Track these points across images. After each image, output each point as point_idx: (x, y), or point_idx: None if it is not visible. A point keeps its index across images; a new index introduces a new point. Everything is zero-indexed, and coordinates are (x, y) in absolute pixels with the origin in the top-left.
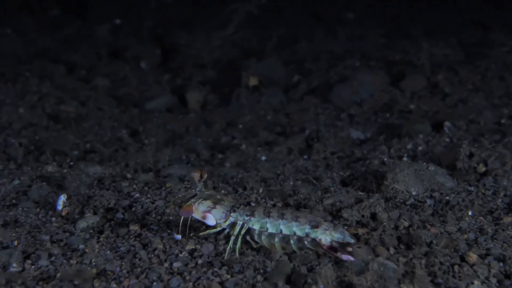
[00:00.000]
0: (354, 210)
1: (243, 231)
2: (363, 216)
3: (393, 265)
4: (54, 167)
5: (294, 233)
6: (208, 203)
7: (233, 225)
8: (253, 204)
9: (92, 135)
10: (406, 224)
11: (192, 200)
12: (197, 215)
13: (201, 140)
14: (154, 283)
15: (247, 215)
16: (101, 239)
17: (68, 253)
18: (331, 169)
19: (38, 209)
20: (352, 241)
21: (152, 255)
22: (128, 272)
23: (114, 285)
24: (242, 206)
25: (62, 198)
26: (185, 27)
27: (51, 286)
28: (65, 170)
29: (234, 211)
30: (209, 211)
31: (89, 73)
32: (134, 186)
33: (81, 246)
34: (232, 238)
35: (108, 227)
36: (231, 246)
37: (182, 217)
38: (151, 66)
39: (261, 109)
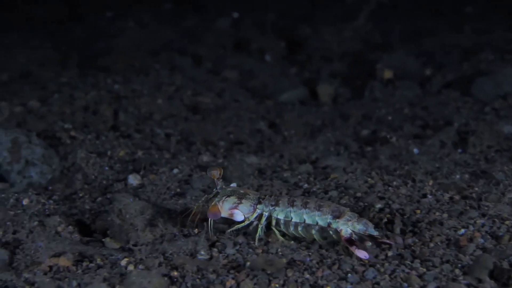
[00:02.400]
0: None
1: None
2: None
3: None
4: (208, 157)
5: (317, 223)
6: (233, 199)
7: (260, 216)
8: (277, 195)
9: (231, 126)
10: None
11: (216, 199)
12: (224, 213)
13: (339, 133)
14: (349, 274)
15: (272, 205)
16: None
17: (251, 242)
18: (493, 162)
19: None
20: (376, 233)
21: (338, 247)
22: (318, 263)
23: (308, 275)
24: (267, 196)
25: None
26: (307, 19)
27: (243, 275)
28: (219, 160)
29: (260, 203)
30: (235, 207)
31: (216, 66)
32: (299, 176)
33: (262, 236)
34: (260, 226)
35: None
36: (259, 234)
37: (211, 220)
38: (276, 58)
39: (396, 102)
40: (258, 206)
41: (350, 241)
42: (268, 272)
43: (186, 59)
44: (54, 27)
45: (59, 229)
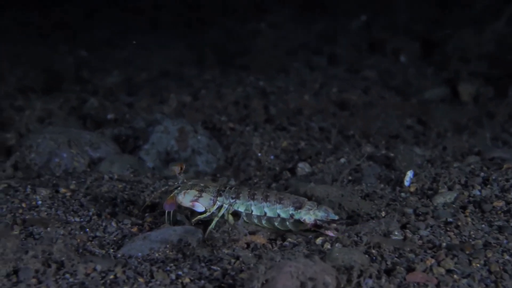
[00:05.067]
0: None
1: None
2: None
3: None
4: (371, 148)
5: (278, 215)
6: (194, 192)
7: (221, 208)
8: (237, 187)
9: (380, 122)
10: None
11: (175, 192)
12: (185, 205)
13: (490, 129)
14: None
15: (232, 198)
16: (466, 213)
17: (441, 225)
18: None
19: (381, 185)
20: (336, 217)
21: None
22: None
23: (507, 257)
24: (227, 189)
25: (410, 175)
26: (438, 21)
27: (442, 254)
28: (382, 151)
29: (220, 195)
30: (196, 200)
31: (352, 65)
32: (472, 166)
33: (450, 219)
34: (215, 219)
35: (469, 203)
36: (212, 226)
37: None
38: (411, 59)
39: None
40: (218, 198)
41: (317, 226)
42: (467, 252)
43: (322, 59)
44: (184, 30)
45: None
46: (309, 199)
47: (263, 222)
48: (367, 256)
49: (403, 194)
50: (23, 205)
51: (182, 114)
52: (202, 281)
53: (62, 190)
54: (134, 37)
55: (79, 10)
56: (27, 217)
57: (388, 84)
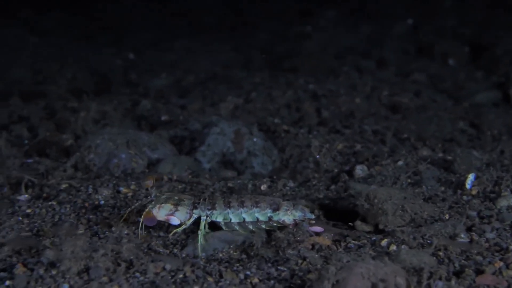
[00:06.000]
0: None
1: (206, 225)
2: None
3: None
4: (427, 151)
5: (257, 219)
6: (169, 206)
7: (199, 221)
8: (211, 197)
9: (434, 125)
10: None
11: (150, 206)
12: (160, 218)
13: None
14: None
15: (208, 209)
16: None
17: (507, 228)
18: None
19: (442, 188)
20: (313, 217)
21: None
22: None
23: None
24: (201, 201)
25: (472, 178)
26: (487, 25)
27: (510, 257)
28: (439, 154)
29: (196, 208)
30: (172, 214)
31: (400, 69)
32: None
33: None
34: (199, 233)
35: None
36: (202, 242)
37: (143, 223)
38: (460, 62)
39: None
40: (194, 211)
41: (298, 225)
42: None
43: (370, 62)
44: (229, 33)
45: None
46: (371, 201)
47: (250, 227)
48: (434, 258)
49: (465, 197)
50: (86, 204)
51: (235, 116)
52: (272, 281)
53: (123, 190)
54: (179, 40)
55: (122, 12)
56: (90, 216)
57: (438, 87)
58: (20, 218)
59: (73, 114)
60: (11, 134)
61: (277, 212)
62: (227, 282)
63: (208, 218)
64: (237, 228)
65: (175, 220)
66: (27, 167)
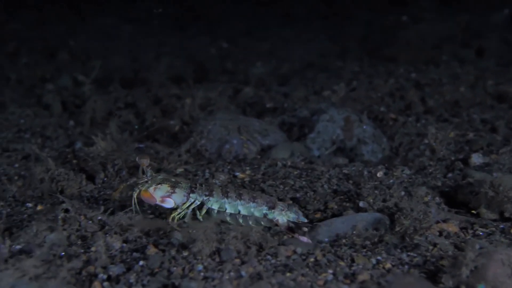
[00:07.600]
0: None
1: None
2: None
3: None
4: None
5: (252, 214)
6: (166, 187)
7: (191, 204)
8: (207, 184)
9: None
10: None
11: (146, 185)
12: (155, 200)
13: None
14: None
15: (206, 195)
16: None
17: None
18: None
19: None
20: (306, 220)
21: None
22: None
23: None
24: (198, 185)
25: None
26: None
27: None
28: None
29: (193, 192)
30: (169, 196)
31: (500, 59)
32: None
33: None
34: (188, 212)
35: None
36: (186, 218)
37: (135, 200)
38: None
39: None
40: (191, 195)
41: (291, 229)
42: None
43: (470, 52)
44: (321, 23)
45: (425, 199)
46: (496, 189)
47: (240, 220)
48: None
49: None
50: None
51: (342, 104)
52: (406, 266)
53: (240, 175)
54: (271, 30)
55: (214, 2)
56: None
57: None
58: None
59: (178, 101)
60: (120, 119)
61: (272, 210)
62: (360, 266)
63: (204, 204)
64: (228, 219)
65: (169, 203)
66: (140, 152)
